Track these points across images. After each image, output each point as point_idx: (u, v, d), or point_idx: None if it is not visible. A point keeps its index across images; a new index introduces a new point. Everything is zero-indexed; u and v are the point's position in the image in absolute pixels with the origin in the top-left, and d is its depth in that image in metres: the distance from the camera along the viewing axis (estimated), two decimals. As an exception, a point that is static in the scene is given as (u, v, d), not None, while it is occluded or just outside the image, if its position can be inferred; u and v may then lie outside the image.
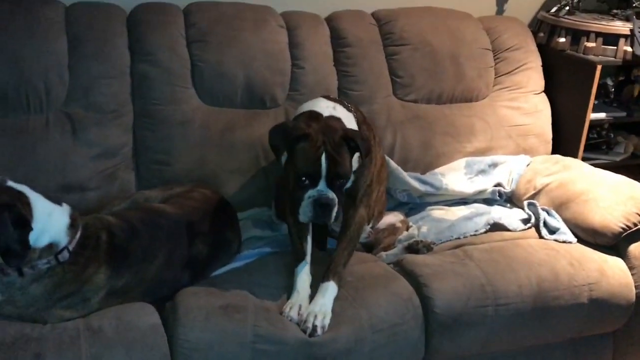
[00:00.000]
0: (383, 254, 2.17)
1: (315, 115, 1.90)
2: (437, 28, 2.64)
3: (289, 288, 1.87)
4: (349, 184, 1.92)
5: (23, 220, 1.53)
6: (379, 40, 2.58)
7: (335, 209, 1.80)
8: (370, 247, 2.23)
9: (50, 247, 1.60)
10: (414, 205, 2.47)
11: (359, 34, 2.54)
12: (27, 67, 2.12)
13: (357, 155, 1.88)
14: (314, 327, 1.73)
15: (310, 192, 1.77)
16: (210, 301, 1.76)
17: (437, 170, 2.55)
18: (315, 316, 1.75)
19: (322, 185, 1.78)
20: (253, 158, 2.32)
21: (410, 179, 2.42)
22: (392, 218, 2.32)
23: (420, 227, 2.31)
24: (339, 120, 1.92)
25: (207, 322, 1.70)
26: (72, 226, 1.64)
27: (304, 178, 1.78)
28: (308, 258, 1.94)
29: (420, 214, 2.41)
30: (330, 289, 1.83)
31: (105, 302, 1.69)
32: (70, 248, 1.62)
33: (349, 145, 1.83)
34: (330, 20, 2.57)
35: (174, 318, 1.72)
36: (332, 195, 1.78)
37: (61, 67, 2.17)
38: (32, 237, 1.54)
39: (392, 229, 2.28)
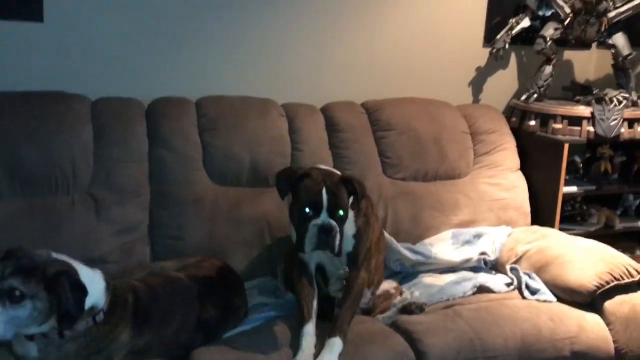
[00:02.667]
0: (379, 316, 2.33)
1: (315, 167, 2.14)
2: (420, 114, 2.93)
3: (295, 347, 2.01)
4: (350, 248, 2.11)
5: (80, 286, 1.64)
6: (369, 126, 2.87)
7: (338, 238, 1.95)
8: (367, 312, 2.38)
9: (91, 309, 1.72)
10: (406, 274, 2.64)
11: (350, 121, 2.83)
12: (56, 153, 2.35)
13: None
14: None
15: (314, 222, 1.94)
16: (224, 356, 1.91)
17: (426, 240, 2.75)
18: None
19: (324, 215, 1.95)
20: (258, 231, 2.52)
21: (403, 248, 2.61)
22: (387, 285, 2.49)
23: (413, 292, 2.47)
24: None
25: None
26: (107, 289, 1.78)
27: (307, 210, 1.95)
28: (313, 320, 2.08)
29: (413, 281, 2.58)
30: (336, 345, 1.98)
31: None
32: (104, 309, 1.76)
33: (346, 188, 2.04)
34: (324, 110, 2.87)
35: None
36: (334, 223, 1.95)
37: (87, 153, 2.40)
38: None
39: (387, 295, 2.43)
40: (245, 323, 2.20)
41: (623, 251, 3.08)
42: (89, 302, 1.70)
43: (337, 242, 1.97)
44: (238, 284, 2.28)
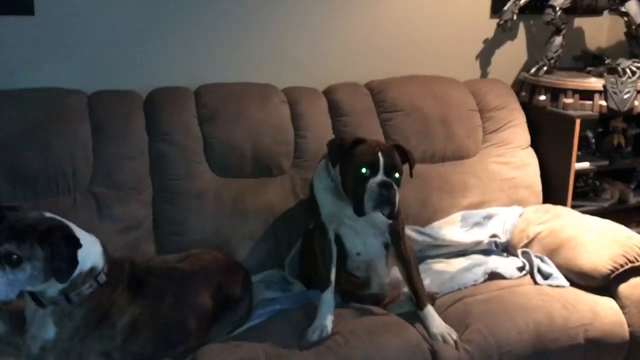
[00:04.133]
0: (390, 305, 2.31)
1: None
2: (425, 94, 2.85)
3: (298, 337, 1.99)
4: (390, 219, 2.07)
5: (73, 238, 1.67)
6: (373, 108, 2.79)
7: (398, 197, 1.94)
8: (377, 301, 2.36)
9: (92, 270, 1.75)
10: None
11: (354, 104, 2.76)
12: (55, 153, 2.30)
13: None
14: (453, 339, 2.02)
15: (373, 180, 1.92)
16: (225, 357, 1.89)
17: (435, 224, 2.70)
18: (448, 334, 2.03)
19: (381, 174, 1.93)
20: (263, 223, 2.48)
21: (409, 230, 2.55)
22: (397, 272, 2.47)
23: (423, 280, 2.45)
24: None
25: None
26: (104, 253, 1.81)
27: (364, 170, 1.92)
28: (332, 286, 2.09)
29: (421, 267, 2.51)
30: (432, 312, 2.10)
31: (126, 335, 1.79)
32: (105, 271, 1.78)
33: (399, 154, 2.03)
34: (327, 92, 2.79)
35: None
36: (392, 181, 1.93)
37: (86, 150, 2.35)
38: (79, 260, 1.68)
39: (397, 283, 2.41)
40: (252, 318, 2.17)
41: (637, 225, 3.07)
42: (88, 263, 1.74)
43: (397, 200, 1.94)
44: (240, 275, 2.24)
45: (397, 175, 1.97)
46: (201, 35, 2.70)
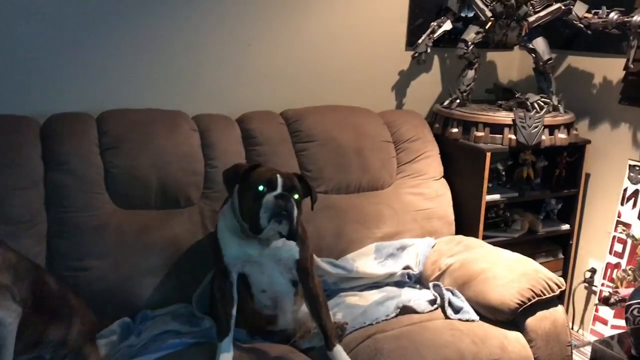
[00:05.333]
0: (300, 341, 2.24)
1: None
2: (341, 124, 2.83)
3: None
4: (296, 256, 2.03)
5: None
6: (288, 137, 2.74)
7: (296, 212, 1.87)
8: (287, 338, 2.29)
9: None
10: (329, 292, 2.55)
11: (268, 133, 2.69)
12: None
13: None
14: None
15: (270, 194, 1.86)
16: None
17: (349, 255, 2.66)
18: None
19: (279, 189, 1.87)
20: (168, 257, 2.36)
21: (323, 263, 2.53)
22: (306, 308, 2.40)
23: (336, 314, 2.38)
24: None
25: None
26: None
27: (261, 187, 1.86)
28: (231, 334, 2.00)
29: (335, 300, 2.49)
30: (341, 352, 2.05)
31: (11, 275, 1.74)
32: None
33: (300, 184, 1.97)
34: (241, 121, 2.72)
35: None
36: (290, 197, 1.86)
37: (-28, 181, 2.17)
38: None
39: (307, 318, 2.34)
40: (155, 351, 2.05)
41: (546, 255, 3.15)
42: None
43: (295, 214, 1.87)
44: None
45: (296, 196, 1.91)
46: (105, 57, 2.57)
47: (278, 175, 1.91)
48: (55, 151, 2.32)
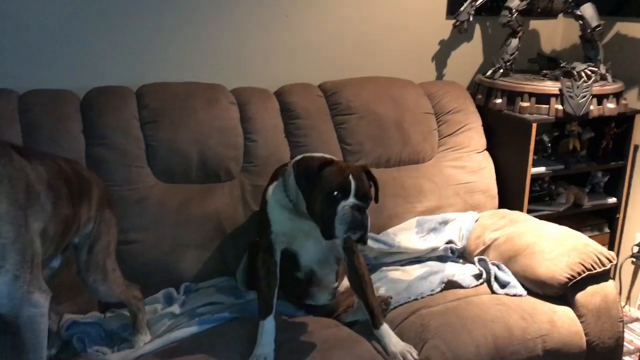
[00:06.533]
0: (343, 315, 2.22)
1: (327, 157, 1.98)
2: (381, 96, 2.76)
3: (246, 354, 1.89)
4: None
5: None
6: (327, 110, 2.69)
7: (369, 221, 1.83)
8: (330, 312, 2.27)
9: None
10: (370, 266, 2.50)
11: (307, 106, 2.64)
12: (-20, 157, 2.13)
13: None
14: (413, 357, 1.95)
15: (345, 202, 1.81)
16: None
17: (390, 230, 2.62)
18: (408, 352, 1.96)
19: (352, 197, 1.82)
20: (209, 231, 2.35)
21: (365, 238, 2.49)
22: (347, 282, 2.37)
23: (379, 289, 2.34)
24: None
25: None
26: None
27: (335, 192, 1.82)
28: (273, 313, 1.97)
29: (377, 274, 2.45)
30: (389, 330, 2.02)
31: (52, 199, 1.66)
32: None
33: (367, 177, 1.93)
34: (279, 94, 2.67)
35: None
36: (364, 204, 1.83)
37: (15, 155, 2.18)
38: None
39: (350, 291, 2.32)
40: (200, 322, 2.05)
41: (592, 229, 3.06)
42: None
43: (369, 224, 1.83)
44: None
45: (368, 201, 1.88)
46: (144, 32, 2.54)
47: (351, 178, 1.84)
48: (96, 125, 2.31)
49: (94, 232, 1.94)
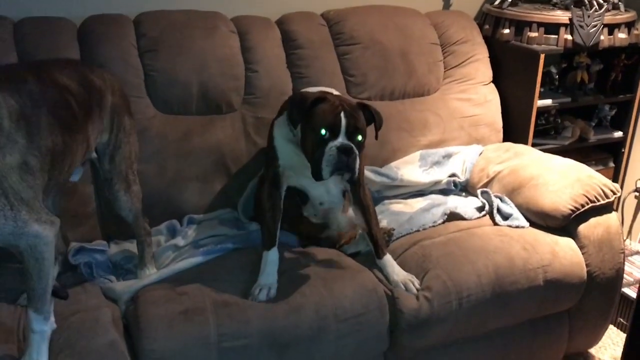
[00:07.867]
0: (345, 246, 2.24)
1: (327, 92, 1.95)
2: (385, 26, 2.69)
3: (249, 282, 1.92)
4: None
5: None
6: (330, 40, 2.62)
7: (358, 161, 1.81)
8: (333, 243, 2.28)
9: None
10: (373, 200, 2.50)
11: (309, 36, 2.57)
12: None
13: None
14: (415, 287, 1.98)
15: (332, 143, 1.79)
16: (170, 308, 1.79)
17: (393, 164, 2.61)
18: (410, 281, 1.98)
19: (342, 137, 1.80)
20: (211, 164, 2.34)
21: (367, 171, 2.45)
22: (352, 213, 2.37)
23: (381, 221, 2.34)
24: None
25: (170, 330, 1.73)
26: None
27: (324, 132, 1.79)
28: (277, 244, 1.99)
29: (379, 207, 2.44)
30: (391, 260, 2.05)
31: (23, 130, 1.54)
32: None
33: (364, 114, 1.89)
34: (280, 23, 2.60)
35: (138, 330, 1.74)
36: (352, 145, 1.80)
37: (12, 84, 2.14)
38: None
39: (353, 224, 2.33)
40: (201, 254, 2.07)
41: (596, 163, 3.04)
42: None
43: (357, 165, 1.82)
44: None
45: (359, 138, 1.84)
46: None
47: (342, 115, 1.80)
48: (94, 53, 2.25)
49: (112, 141, 1.91)
